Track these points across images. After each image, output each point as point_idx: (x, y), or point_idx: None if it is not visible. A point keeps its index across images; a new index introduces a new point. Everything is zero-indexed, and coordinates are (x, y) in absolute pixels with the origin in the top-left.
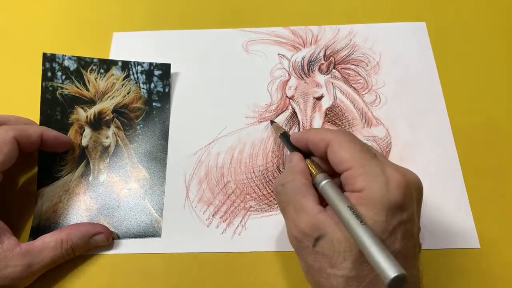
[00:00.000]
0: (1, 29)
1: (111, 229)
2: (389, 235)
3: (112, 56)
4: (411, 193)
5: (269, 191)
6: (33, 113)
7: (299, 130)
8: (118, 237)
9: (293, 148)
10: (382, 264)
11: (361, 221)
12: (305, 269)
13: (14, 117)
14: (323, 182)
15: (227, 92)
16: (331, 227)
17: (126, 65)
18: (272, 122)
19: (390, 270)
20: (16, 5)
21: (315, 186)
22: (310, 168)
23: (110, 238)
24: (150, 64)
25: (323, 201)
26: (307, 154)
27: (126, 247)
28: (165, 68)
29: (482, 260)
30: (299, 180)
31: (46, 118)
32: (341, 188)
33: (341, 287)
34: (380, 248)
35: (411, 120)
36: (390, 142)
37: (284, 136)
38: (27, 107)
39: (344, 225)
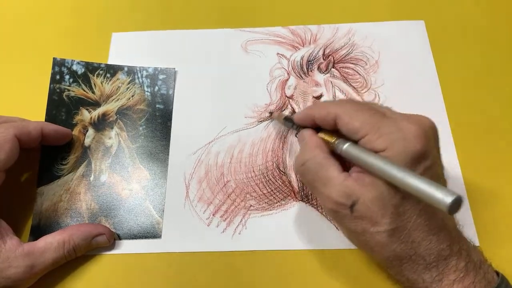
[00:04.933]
0: (1, 29)
1: (112, 230)
2: None
3: (111, 56)
4: (428, 138)
5: (269, 190)
6: (33, 113)
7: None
8: (119, 238)
9: (301, 128)
10: (436, 194)
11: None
12: (348, 234)
13: (12, 117)
14: (346, 145)
15: (226, 91)
16: (361, 190)
17: (131, 70)
18: (271, 113)
19: (446, 195)
20: (16, 5)
21: (334, 154)
22: (326, 138)
23: (111, 239)
24: (155, 69)
25: (344, 168)
26: (316, 128)
27: (126, 247)
28: (169, 72)
29: None
30: (318, 155)
31: (51, 118)
32: None
33: (385, 241)
34: (426, 181)
35: None
36: None
37: (289, 120)
38: (27, 106)
39: (381, 175)
